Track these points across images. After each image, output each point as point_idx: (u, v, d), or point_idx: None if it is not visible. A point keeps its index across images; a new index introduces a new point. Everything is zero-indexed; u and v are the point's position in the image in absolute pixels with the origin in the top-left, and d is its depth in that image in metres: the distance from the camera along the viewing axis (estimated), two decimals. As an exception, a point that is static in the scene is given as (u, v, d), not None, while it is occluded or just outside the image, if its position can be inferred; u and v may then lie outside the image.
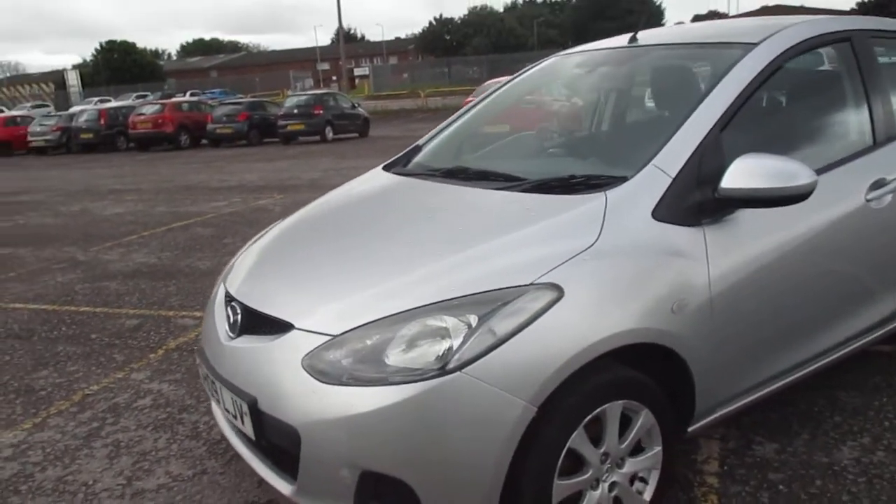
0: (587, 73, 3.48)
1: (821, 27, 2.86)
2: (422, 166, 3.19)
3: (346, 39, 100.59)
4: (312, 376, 1.99)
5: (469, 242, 2.24)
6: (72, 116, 25.16)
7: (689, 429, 2.43)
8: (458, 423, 1.89)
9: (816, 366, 2.78)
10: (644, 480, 2.31)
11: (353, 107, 23.56)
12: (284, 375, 2.06)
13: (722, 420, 2.55)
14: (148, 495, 2.76)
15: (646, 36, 3.21)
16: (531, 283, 1.99)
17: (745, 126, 2.56)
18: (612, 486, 2.20)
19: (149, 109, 23.84)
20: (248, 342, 2.29)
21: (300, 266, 2.51)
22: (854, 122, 2.91)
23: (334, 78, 75.78)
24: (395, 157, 3.40)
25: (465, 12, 77.32)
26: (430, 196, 2.81)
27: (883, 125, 2.90)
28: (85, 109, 26.37)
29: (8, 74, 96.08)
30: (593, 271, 2.08)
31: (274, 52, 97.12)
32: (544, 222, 2.25)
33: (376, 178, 3.22)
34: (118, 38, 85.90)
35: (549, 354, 1.94)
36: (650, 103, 3.28)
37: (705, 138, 2.37)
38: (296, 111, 21.77)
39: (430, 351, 1.92)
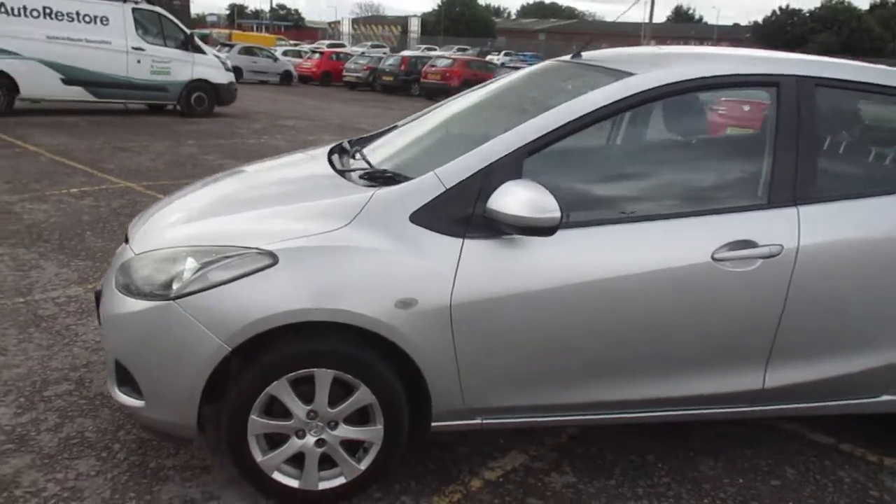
0: (524, 80, 3.49)
1: (726, 67, 2.65)
2: (353, 143, 3.50)
3: (683, 19, 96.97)
4: (116, 287, 2.59)
5: (254, 205, 2.65)
6: (379, 59, 28.22)
7: (433, 424, 2.59)
8: (169, 340, 2.37)
9: (650, 414, 2.71)
10: (366, 451, 2.56)
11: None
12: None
13: (497, 429, 2.67)
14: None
15: (591, 54, 3.17)
16: (255, 248, 2.36)
17: (576, 154, 2.54)
18: (321, 442, 2.50)
19: (441, 63, 25.84)
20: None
21: (176, 206, 3.04)
22: (739, 175, 2.67)
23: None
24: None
25: (818, 5, 69.49)
26: (292, 168, 3.23)
27: (788, 186, 2.61)
28: (392, 55, 29.36)
29: (368, 14, 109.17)
30: (319, 252, 2.37)
31: (604, 23, 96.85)
32: (317, 201, 2.57)
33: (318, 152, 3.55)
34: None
35: (245, 309, 2.31)
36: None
37: (503, 158, 2.46)
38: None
39: (162, 279, 2.41)
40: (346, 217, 2.45)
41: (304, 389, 2.44)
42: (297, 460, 2.52)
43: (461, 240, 2.42)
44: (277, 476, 2.52)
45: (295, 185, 2.98)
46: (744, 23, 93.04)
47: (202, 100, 13.80)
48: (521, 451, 2.95)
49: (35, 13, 11.64)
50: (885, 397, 2.87)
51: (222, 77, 14.03)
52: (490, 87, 3.55)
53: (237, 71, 26.95)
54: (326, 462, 2.55)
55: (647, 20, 33.64)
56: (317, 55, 31.11)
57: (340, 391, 2.46)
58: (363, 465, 2.56)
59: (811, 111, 2.66)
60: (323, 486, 2.55)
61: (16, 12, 11.46)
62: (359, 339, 2.41)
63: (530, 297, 2.45)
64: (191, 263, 2.40)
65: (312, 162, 3.20)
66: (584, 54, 3.18)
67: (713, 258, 2.52)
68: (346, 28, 76.81)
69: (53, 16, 11.81)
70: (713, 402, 2.74)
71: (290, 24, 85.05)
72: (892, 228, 2.68)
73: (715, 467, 2.91)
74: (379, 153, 3.10)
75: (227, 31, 40.84)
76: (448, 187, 2.45)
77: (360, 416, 2.52)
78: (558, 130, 2.51)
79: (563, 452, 2.96)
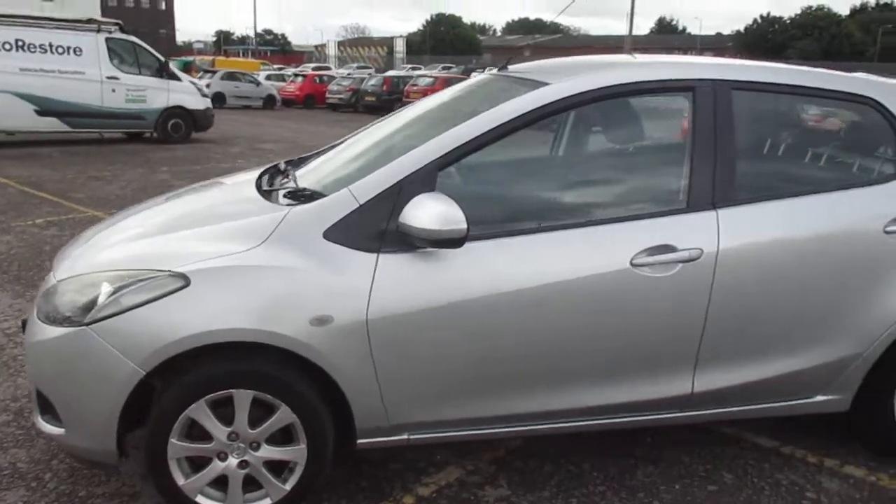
0: (458, 93, 3.51)
1: (640, 74, 2.67)
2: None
3: (666, 30, 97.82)
4: (37, 315, 2.56)
5: (177, 228, 2.64)
6: (362, 80, 28.37)
7: (359, 442, 2.57)
8: (85, 366, 2.36)
9: (581, 424, 2.70)
10: (292, 471, 2.53)
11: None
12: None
13: (427, 444, 2.65)
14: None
15: (518, 66, 3.19)
16: (167, 270, 2.35)
17: (493, 166, 2.55)
18: (244, 463, 2.48)
19: (423, 81, 25.99)
20: None
21: (105, 232, 3.01)
22: (660, 181, 2.68)
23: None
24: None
25: (798, 12, 70.23)
26: (227, 190, 3.23)
27: (706, 189, 2.62)
28: (375, 76, 29.53)
29: (355, 35, 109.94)
30: (231, 273, 2.36)
31: (587, 36, 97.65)
32: (234, 222, 2.57)
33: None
34: (454, 11, 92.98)
35: (157, 332, 2.30)
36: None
37: (415, 172, 2.46)
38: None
39: (79, 305, 2.39)
40: (259, 237, 2.44)
41: (225, 411, 2.42)
42: (222, 483, 2.50)
43: (376, 255, 2.42)
44: (201, 500, 2.49)
45: (223, 206, 2.98)
46: (726, 32, 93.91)
47: (179, 126, 13.84)
48: (457, 466, 2.93)
49: (7, 46, 11.69)
50: (820, 398, 2.87)
51: (198, 103, 14.08)
52: (428, 101, 3.56)
53: (220, 97, 27.17)
54: (252, 483, 2.52)
55: (629, 33, 34.01)
56: (300, 78, 31.24)
57: (262, 411, 2.44)
58: (288, 486, 2.53)
59: (728, 114, 2.68)
60: (249, 507, 2.53)
61: (-12, 45, 11.50)
62: (278, 358, 2.40)
63: (448, 310, 2.44)
64: (106, 288, 2.39)
65: (246, 183, 3.20)
66: (511, 67, 3.20)
67: (632, 264, 2.52)
68: (331, 51, 77.13)
69: (26, 48, 11.85)
70: (644, 409, 2.74)
71: (277, 49, 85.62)
72: (813, 229, 2.69)
73: (652, 474, 2.89)
74: (311, 172, 3.10)
75: (210, 57, 41.06)
76: (362, 203, 2.45)
77: (284, 436, 2.50)
78: (471, 143, 2.52)
79: (501, 466, 2.94)
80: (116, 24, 12.90)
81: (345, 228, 2.43)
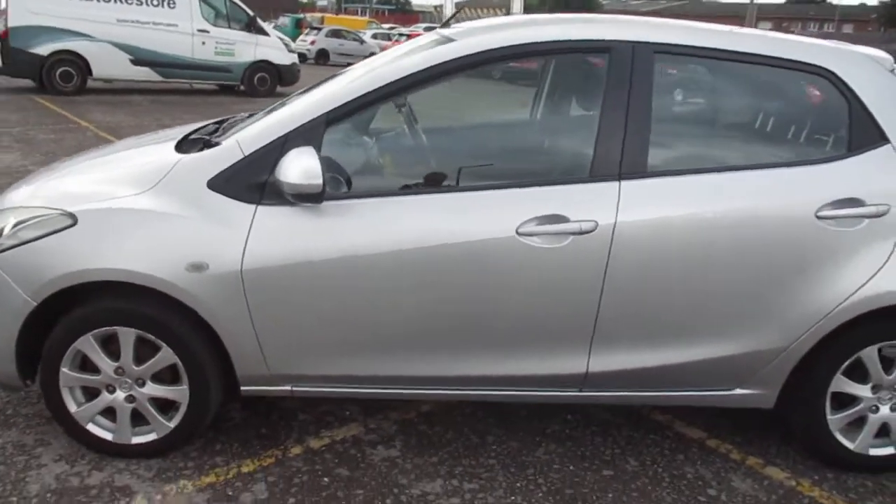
0: (402, 51, 3.40)
1: (553, 32, 2.52)
2: None
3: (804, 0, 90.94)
4: None
5: (89, 171, 2.76)
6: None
7: (242, 389, 2.63)
8: None
9: (471, 392, 2.67)
10: (177, 410, 2.63)
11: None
12: None
13: (307, 396, 2.70)
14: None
15: (458, 25, 3.08)
16: (59, 209, 2.47)
17: (386, 123, 2.49)
18: (131, 398, 2.60)
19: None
20: None
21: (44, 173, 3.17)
22: (564, 148, 2.53)
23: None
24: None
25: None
26: (153, 137, 3.35)
27: (613, 160, 2.46)
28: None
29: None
30: (114, 215, 2.45)
31: (717, 4, 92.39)
32: (134, 169, 2.65)
33: None
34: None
35: (45, 266, 2.44)
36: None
37: (302, 125, 2.46)
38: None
39: None
40: (149, 183, 2.51)
41: (116, 348, 2.54)
42: (113, 414, 2.63)
43: (255, 206, 2.44)
44: (92, 427, 2.64)
45: (140, 155, 3.03)
46: (871, 2, 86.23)
47: (265, 80, 14.29)
48: (361, 424, 2.95)
49: (105, -2, 12.39)
50: (739, 391, 2.68)
51: (284, 58, 14.48)
52: (377, 58, 3.51)
53: (323, 53, 27.77)
54: (141, 418, 2.64)
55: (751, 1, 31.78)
56: (404, 38, 31.41)
57: (148, 350, 2.54)
58: (173, 424, 2.63)
59: (646, 80, 2.49)
60: (136, 440, 2.65)
61: (88, -3, 12.24)
62: (160, 301, 2.48)
63: (324, 266, 2.44)
64: (11, 221, 2.54)
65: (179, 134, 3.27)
66: (454, 25, 3.09)
67: (518, 233, 2.42)
68: (448, 11, 76.97)
69: (123, 0, 12.52)
70: (539, 384, 2.65)
71: (395, 8, 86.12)
72: (735, 208, 2.48)
73: (554, 453, 2.80)
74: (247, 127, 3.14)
75: (320, 14, 41.82)
76: (246, 154, 2.47)
77: (172, 376, 2.59)
78: (361, 99, 2.48)
79: (404, 428, 2.94)
80: (209, -22, 13.38)
81: (228, 179, 2.46)
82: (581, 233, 2.42)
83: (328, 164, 2.55)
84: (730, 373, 2.63)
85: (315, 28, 29.63)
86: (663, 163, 2.53)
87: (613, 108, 2.48)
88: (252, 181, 2.45)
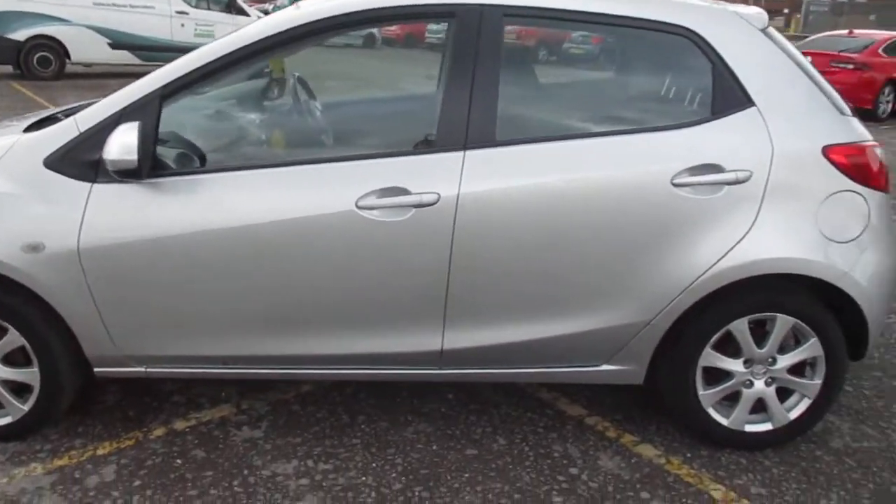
0: None
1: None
2: None
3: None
4: None
5: None
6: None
7: (95, 371, 2.59)
8: None
9: (330, 372, 2.62)
10: (31, 392, 2.59)
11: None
12: None
13: (162, 377, 2.65)
14: None
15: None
16: None
17: (227, 98, 2.42)
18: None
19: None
20: None
21: None
22: (409, 120, 2.44)
23: (786, 10, 68.28)
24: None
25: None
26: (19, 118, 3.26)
27: (458, 129, 2.37)
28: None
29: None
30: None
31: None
32: None
33: None
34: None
35: None
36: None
37: (136, 101, 2.39)
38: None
39: None
40: (-12, 162, 2.46)
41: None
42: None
43: (90, 184, 2.38)
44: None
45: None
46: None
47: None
48: (233, 405, 2.90)
49: (82, -19, 12.31)
50: (606, 367, 2.60)
51: (267, 39, 14.33)
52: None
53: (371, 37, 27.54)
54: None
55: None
56: (403, 17, 31.08)
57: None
58: (27, 406, 2.59)
59: (495, 45, 2.39)
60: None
61: (65, -20, 12.17)
62: (3, 282, 2.43)
63: (160, 244, 2.38)
64: None
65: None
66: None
67: (357, 206, 2.34)
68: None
69: (100, -17, 12.45)
70: (397, 362, 2.58)
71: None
72: (587, 176, 2.38)
73: (423, 432, 2.74)
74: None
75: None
76: (82, 131, 2.41)
77: (26, 358, 2.55)
78: (195, 73, 2.40)
79: (277, 408, 2.88)
80: (187, -41, 13.27)
81: (64, 157, 2.40)
82: (422, 205, 2.34)
83: (177, 140, 2.50)
84: (594, 348, 2.55)
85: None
86: (515, 131, 2.44)
87: (459, 75, 2.39)
88: (87, 159, 2.39)
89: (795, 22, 47.85)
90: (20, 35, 11.97)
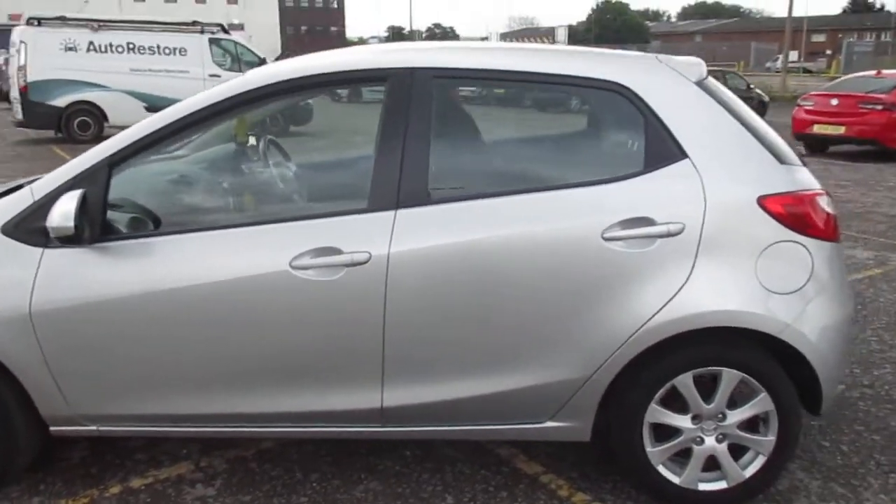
0: None
1: (321, 65, 2.50)
2: None
3: (860, 9, 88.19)
4: None
5: None
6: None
7: (51, 429, 2.66)
8: None
9: (275, 430, 2.66)
10: None
11: (748, 87, 21.55)
12: None
13: (114, 436, 2.70)
14: None
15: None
16: None
17: (169, 164, 2.52)
18: None
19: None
20: None
21: None
22: (344, 180, 2.51)
23: (828, 52, 67.83)
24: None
25: None
26: None
27: (390, 189, 2.43)
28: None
29: (522, 27, 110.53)
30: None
31: (769, 19, 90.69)
32: None
33: None
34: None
35: None
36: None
37: (87, 169, 2.52)
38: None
39: None
40: (-50, 229, 2.59)
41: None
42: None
43: (42, 249, 2.49)
44: None
45: None
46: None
47: (276, 120, 14.62)
48: (192, 462, 2.94)
49: (120, 49, 12.99)
50: (551, 424, 2.57)
51: (296, 98, 14.80)
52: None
53: (356, 91, 28.25)
54: (-39, 461, 2.69)
55: (805, 13, 30.78)
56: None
57: (-44, 392, 2.60)
58: (-7, 458, 2.67)
59: (425, 106, 2.46)
60: (-44, 483, 2.71)
61: (103, 49, 12.88)
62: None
63: (107, 307, 2.47)
64: None
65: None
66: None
67: (291, 266, 2.40)
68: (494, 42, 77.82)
69: (136, 50, 13.11)
70: (341, 420, 2.60)
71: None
72: (517, 233, 2.40)
73: (372, 491, 2.73)
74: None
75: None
76: (36, 199, 2.53)
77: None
78: (142, 140, 2.52)
79: (235, 466, 2.91)
80: (219, 25, 13.89)
81: (19, 224, 2.53)
82: (354, 264, 2.38)
83: (130, 206, 2.61)
84: (536, 405, 2.53)
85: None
86: (448, 190, 2.48)
87: (391, 136, 2.46)
88: (39, 225, 2.49)
89: (836, 63, 47.25)
90: (62, 101, 12.65)
